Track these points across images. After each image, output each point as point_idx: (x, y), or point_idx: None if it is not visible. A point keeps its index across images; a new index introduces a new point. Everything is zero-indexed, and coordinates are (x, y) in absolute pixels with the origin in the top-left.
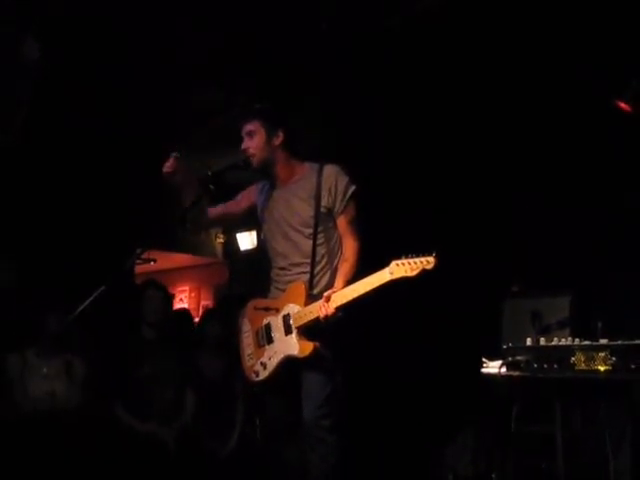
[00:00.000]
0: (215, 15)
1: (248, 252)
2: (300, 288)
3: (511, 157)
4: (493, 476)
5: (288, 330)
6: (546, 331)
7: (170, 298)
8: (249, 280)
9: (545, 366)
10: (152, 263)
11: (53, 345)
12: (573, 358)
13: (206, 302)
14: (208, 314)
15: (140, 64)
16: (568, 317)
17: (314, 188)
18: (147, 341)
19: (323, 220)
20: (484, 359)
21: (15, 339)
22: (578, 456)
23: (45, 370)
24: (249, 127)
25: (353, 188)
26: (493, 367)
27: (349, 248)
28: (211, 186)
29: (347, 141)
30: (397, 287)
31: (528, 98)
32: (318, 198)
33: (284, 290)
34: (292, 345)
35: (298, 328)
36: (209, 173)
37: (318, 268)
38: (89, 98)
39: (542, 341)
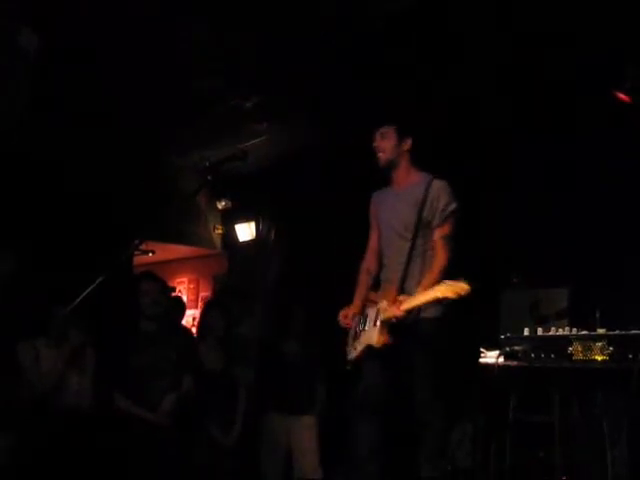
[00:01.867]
0: (216, 10)
1: (247, 243)
2: (392, 287)
3: (510, 148)
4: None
5: (376, 322)
6: (544, 321)
7: (166, 289)
8: (248, 271)
9: (542, 356)
10: (150, 254)
11: (63, 335)
12: (570, 348)
13: (205, 293)
14: (208, 306)
15: (140, 54)
16: (566, 307)
17: (420, 198)
18: (146, 332)
19: (423, 229)
20: (482, 349)
21: (27, 329)
22: (576, 445)
23: (55, 360)
24: (384, 129)
25: (453, 206)
26: (491, 357)
27: (437, 261)
28: (209, 177)
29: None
30: None
31: (528, 91)
32: (421, 208)
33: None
34: (373, 336)
35: (382, 322)
36: (207, 164)
37: (410, 271)
38: (88, 87)
39: (540, 331)
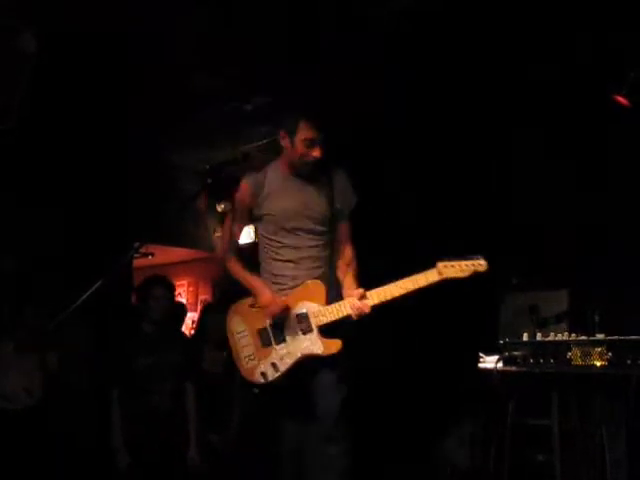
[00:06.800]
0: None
1: (247, 246)
2: (319, 286)
3: (509, 152)
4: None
5: (307, 329)
6: (544, 325)
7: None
8: None
9: (542, 361)
10: (150, 257)
11: (30, 339)
12: (569, 353)
13: (204, 296)
14: (207, 309)
15: (138, 56)
16: (566, 311)
17: (327, 188)
18: (146, 335)
19: (331, 222)
20: (481, 354)
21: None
22: (574, 449)
23: (21, 364)
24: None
25: (355, 198)
26: (490, 362)
27: (352, 253)
28: (209, 180)
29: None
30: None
31: (528, 93)
32: (331, 199)
33: (290, 287)
34: (314, 344)
35: (319, 327)
36: (207, 167)
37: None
38: (87, 88)
39: (539, 336)
